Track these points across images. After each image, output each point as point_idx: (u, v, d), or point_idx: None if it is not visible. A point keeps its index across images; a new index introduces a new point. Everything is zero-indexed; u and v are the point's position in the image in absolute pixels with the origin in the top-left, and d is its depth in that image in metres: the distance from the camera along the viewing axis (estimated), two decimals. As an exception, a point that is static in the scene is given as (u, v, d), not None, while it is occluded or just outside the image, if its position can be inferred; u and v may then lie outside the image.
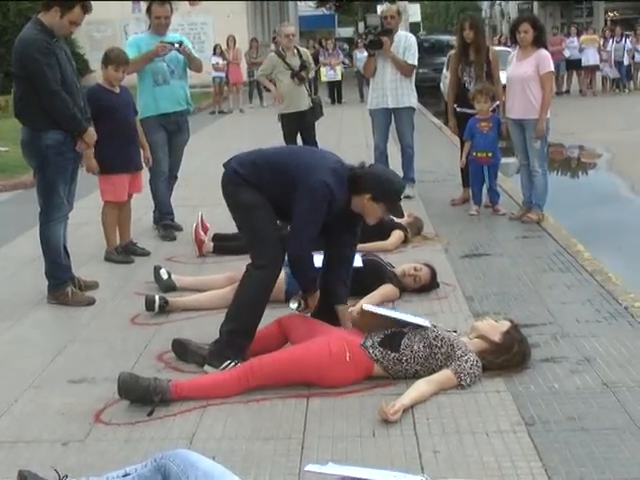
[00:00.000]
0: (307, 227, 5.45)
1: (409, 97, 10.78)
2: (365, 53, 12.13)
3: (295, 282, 6.54)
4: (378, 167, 6.16)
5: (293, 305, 5.72)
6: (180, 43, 8.97)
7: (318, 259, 6.29)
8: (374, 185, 5.45)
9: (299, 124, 12.02)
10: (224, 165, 5.83)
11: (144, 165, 8.62)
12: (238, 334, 5.47)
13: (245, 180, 5.58)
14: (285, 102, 11.91)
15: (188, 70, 9.32)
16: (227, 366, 5.32)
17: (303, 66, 11.96)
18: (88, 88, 7.70)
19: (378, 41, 10.52)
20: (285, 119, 12.04)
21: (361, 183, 5.46)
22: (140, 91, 9.11)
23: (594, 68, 29.68)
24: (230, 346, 5.43)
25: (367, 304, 5.70)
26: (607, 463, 4.09)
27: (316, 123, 12.23)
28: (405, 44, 10.67)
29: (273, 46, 26.16)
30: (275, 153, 5.91)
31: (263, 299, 5.60)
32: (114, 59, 7.99)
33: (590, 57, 29.24)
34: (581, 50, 29.28)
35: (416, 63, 10.81)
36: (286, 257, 5.69)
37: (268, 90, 12.95)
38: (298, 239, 5.50)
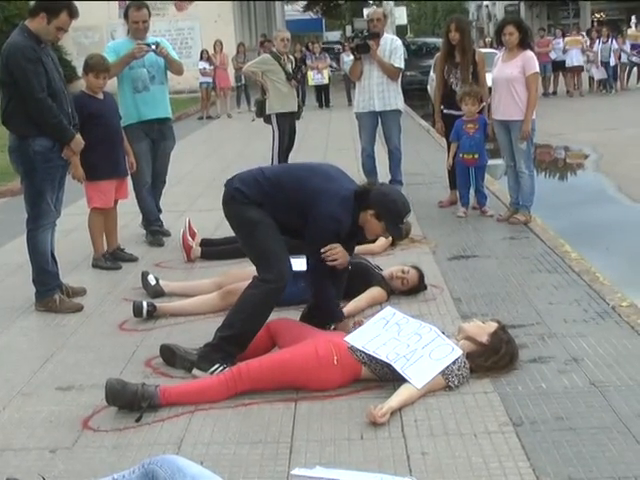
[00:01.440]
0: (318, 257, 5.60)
1: (396, 100, 10.80)
2: (352, 57, 12.29)
3: (290, 290, 6.56)
4: (388, 187, 6.29)
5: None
6: (157, 44, 8.88)
7: (299, 263, 6.33)
8: (378, 202, 5.59)
9: (290, 123, 12.72)
10: (226, 184, 5.85)
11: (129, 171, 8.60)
12: (232, 341, 5.47)
13: (248, 199, 5.62)
14: (281, 102, 12.51)
15: (173, 76, 9.28)
16: (215, 370, 5.32)
17: (295, 71, 12.54)
18: (73, 96, 7.68)
19: (365, 45, 10.54)
20: (280, 118, 12.59)
21: (367, 199, 5.60)
22: (120, 99, 8.97)
23: (578, 69, 29.77)
24: (221, 351, 5.43)
25: None
26: (595, 462, 4.09)
27: (305, 127, 12.59)
28: (391, 47, 10.69)
29: (261, 50, 26.18)
30: (280, 174, 5.96)
31: (266, 312, 5.62)
32: (94, 66, 7.96)
33: (574, 58, 29.34)
34: (565, 51, 29.36)
35: (402, 66, 10.84)
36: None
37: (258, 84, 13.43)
38: (315, 262, 5.66)
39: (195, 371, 5.42)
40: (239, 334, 5.49)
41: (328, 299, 5.86)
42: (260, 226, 5.55)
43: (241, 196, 5.63)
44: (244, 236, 5.74)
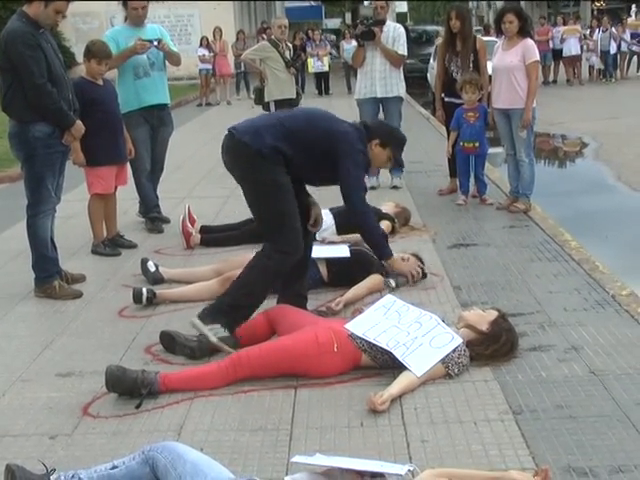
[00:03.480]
0: (358, 184, 5.88)
1: (398, 87, 10.79)
2: (352, 44, 12.30)
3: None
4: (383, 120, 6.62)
5: (391, 285, 6.06)
6: (159, 41, 8.86)
7: None
8: (382, 131, 6.17)
9: (288, 109, 12.53)
10: (242, 133, 5.68)
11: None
12: (239, 310, 5.56)
13: (281, 155, 5.58)
14: (280, 89, 12.65)
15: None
16: (214, 329, 5.40)
17: (294, 59, 12.58)
18: (73, 81, 7.67)
19: (370, 32, 10.52)
20: (278, 105, 12.59)
21: (371, 131, 6.01)
22: (120, 85, 8.93)
23: (576, 58, 29.71)
24: (226, 316, 5.51)
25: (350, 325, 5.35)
26: (594, 450, 4.10)
27: None
28: (394, 34, 10.68)
29: (260, 37, 26.13)
30: (298, 125, 5.83)
31: (274, 283, 5.76)
32: (97, 52, 7.93)
33: (572, 47, 29.28)
34: (563, 40, 29.30)
35: (406, 53, 10.83)
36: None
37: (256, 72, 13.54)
38: (359, 195, 5.87)
39: (195, 320, 5.50)
40: (248, 305, 5.61)
41: (379, 234, 6.21)
42: (283, 190, 5.57)
43: (272, 152, 5.54)
44: (261, 198, 5.68)
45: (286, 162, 5.56)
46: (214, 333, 5.43)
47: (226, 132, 5.78)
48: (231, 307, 5.55)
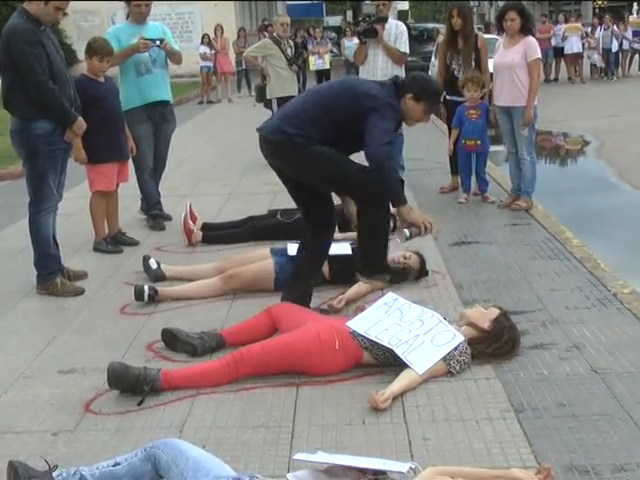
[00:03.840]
0: (381, 137, 5.63)
1: (399, 85, 10.78)
2: (354, 41, 12.32)
3: (285, 270, 6.59)
4: (417, 72, 6.47)
5: (405, 235, 5.90)
6: (161, 40, 8.84)
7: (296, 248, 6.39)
8: (415, 85, 5.96)
9: None
10: (272, 132, 5.85)
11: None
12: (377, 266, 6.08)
13: (311, 139, 5.70)
14: (282, 87, 12.76)
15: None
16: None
17: (296, 56, 12.67)
18: (74, 79, 7.67)
19: (372, 29, 10.52)
20: (281, 103, 12.50)
21: (404, 86, 5.92)
22: (123, 82, 8.93)
23: (577, 56, 29.71)
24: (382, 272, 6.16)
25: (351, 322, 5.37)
26: (596, 449, 4.10)
27: None
28: (396, 32, 10.67)
29: (261, 35, 26.13)
30: (319, 99, 5.98)
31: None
32: (98, 50, 7.93)
33: (574, 45, 29.27)
34: (564, 38, 29.29)
35: (408, 51, 10.82)
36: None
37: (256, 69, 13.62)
38: (379, 147, 5.63)
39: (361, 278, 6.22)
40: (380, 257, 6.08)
41: (397, 180, 6.08)
42: (327, 152, 5.71)
43: (303, 139, 5.68)
44: (317, 171, 5.82)
45: (320, 142, 5.70)
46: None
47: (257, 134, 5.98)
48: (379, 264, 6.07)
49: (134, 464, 3.70)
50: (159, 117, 9.12)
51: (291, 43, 13.53)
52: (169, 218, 9.38)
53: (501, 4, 42.32)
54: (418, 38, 32.48)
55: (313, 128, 5.68)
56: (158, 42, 8.78)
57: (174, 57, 9.13)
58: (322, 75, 28.26)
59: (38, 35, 6.59)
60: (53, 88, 6.63)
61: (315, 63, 27.68)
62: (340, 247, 6.97)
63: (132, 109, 8.78)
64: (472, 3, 72.46)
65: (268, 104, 13.09)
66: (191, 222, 8.42)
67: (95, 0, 30.83)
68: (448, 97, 10.33)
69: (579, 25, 30.79)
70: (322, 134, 5.68)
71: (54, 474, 3.71)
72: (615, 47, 29.77)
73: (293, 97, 12.77)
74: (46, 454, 4.11)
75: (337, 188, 6.15)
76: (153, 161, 9.22)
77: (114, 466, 3.73)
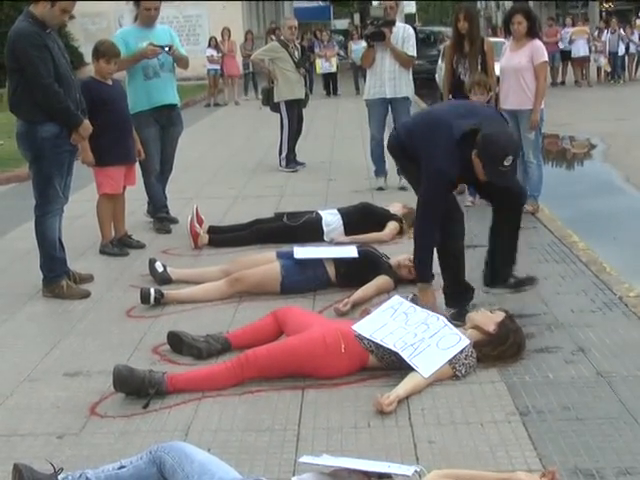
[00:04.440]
0: (429, 207, 5.88)
1: (407, 87, 10.81)
2: (361, 44, 12.36)
3: (291, 273, 6.60)
4: (496, 126, 5.89)
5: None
6: (170, 47, 8.86)
7: (305, 251, 6.38)
8: (479, 142, 5.58)
9: (297, 110, 13.10)
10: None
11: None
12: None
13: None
14: (290, 90, 12.94)
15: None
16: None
17: (304, 59, 12.85)
18: (82, 82, 7.69)
19: (380, 32, 10.53)
20: (288, 105, 12.96)
21: (475, 137, 5.61)
22: (130, 86, 8.95)
23: (584, 59, 29.68)
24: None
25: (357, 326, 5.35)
26: (601, 452, 4.10)
27: (313, 115, 12.75)
28: (404, 35, 10.69)
29: (269, 38, 26.13)
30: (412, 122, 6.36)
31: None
32: (105, 52, 7.95)
33: (580, 48, 29.24)
34: (571, 42, 29.27)
35: (415, 54, 10.84)
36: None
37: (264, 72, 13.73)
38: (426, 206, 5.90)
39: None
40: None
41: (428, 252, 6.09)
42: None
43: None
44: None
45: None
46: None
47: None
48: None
49: (139, 467, 3.70)
50: (166, 120, 9.14)
51: (298, 46, 13.57)
52: (175, 221, 9.39)
53: (509, 4, 42.25)
54: (425, 41, 32.53)
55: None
56: (167, 48, 8.80)
57: (181, 62, 9.16)
58: (329, 78, 28.31)
59: (43, 38, 6.60)
60: (58, 91, 6.64)
61: (322, 66, 27.73)
62: (346, 250, 6.97)
63: (140, 112, 8.79)
64: (479, 5, 72.52)
65: (275, 107, 13.11)
66: (197, 225, 8.43)
67: (102, 0, 30.82)
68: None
69: (586, 28, 30.76)
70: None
71: (59, 477, 3.72)
72: (622, 51, 29.74)
73: (301, 100, 12.95)
74: (51, 457, 4.11)
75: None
76: (160, 164, 9.23)
77: (119, 469, 3.74)
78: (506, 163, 5.49)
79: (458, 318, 5.67)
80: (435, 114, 6.21)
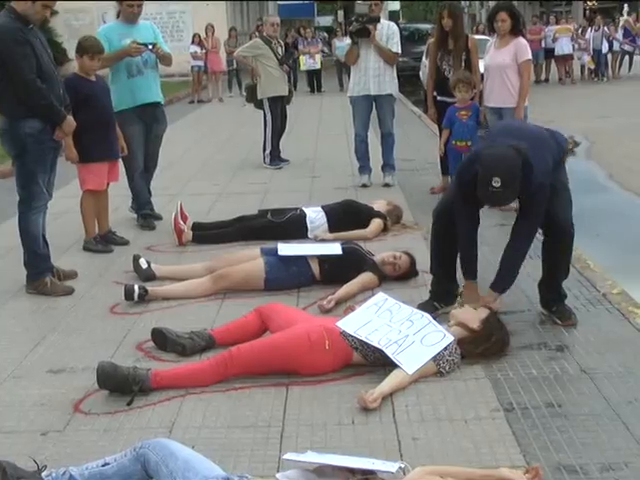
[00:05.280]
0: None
1: (391, 84, 10.80)
2: (345, 42, 12.38)
3: (275, 270, 6.61)
4: (501, 147, 5.48)
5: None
6: (154, 45, 8.83)
7: (289, 248, 6.38)
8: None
9: (281, 107, 13.10)
10: None
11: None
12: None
13: None
14: (273, 87, 12.91)
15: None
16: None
17: (287, 56, 12.84)
18: (65, 78, 7.65)
19: (365, 29, 10.52)
20: (272, 102, 12.93)
21: None
22: (114, 84, 8.88)
23: (568, 57, 29.77)
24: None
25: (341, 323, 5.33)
26: (585, 448, 4.12)
27: (297, 112, 12.69)
28: (388, 32, 10.69)
29: (253, 35, 26.14)
30: None
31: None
32: (89, 48, 7.91)
33: (564, 46, 29.32)
34: (555, 40, 29.35)
35: (400, 51, 10.84)
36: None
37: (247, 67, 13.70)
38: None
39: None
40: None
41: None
42: None
43: None
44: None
45: None
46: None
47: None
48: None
49: (123, 464, 3.70)
50: (150, 118, 9.12)
51: (281, 43, 13.57)
52: (159, 217, 9.37)
53: (492, 4, 42.34)
54: (409, 38, 32.49)
55: None
56: (150, 46, 8.77)
57: (165, 60, 9.12)
58: (313, 75, 28.29)
59: (25, 34, 6.57)
60: (41, 87, 6.61)
61: (306, 63, 27.70)
62: (330, 247, 6.98)
63: (123, 110, 8.75)
64: (463, 3, 72.56)
65: (259, 104, 13.10)
66: (182, 222, 8.41)
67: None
68: (439, 98, 10.35)
69: (570, 26, 30.83)
70: None
71: (43, 474, 3.71)
72: (605, 48, 29.84)
73: (284, 97, 12.95)
74: (35, 454, 4.10)
75: None
76: (144, 161, 9.21)
77: (103, 466, 3.73)
78: (495, 184, 5.19)
79: None
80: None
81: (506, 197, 5.45)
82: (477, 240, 5.98)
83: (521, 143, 5.38)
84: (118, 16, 9.16)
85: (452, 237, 5.90)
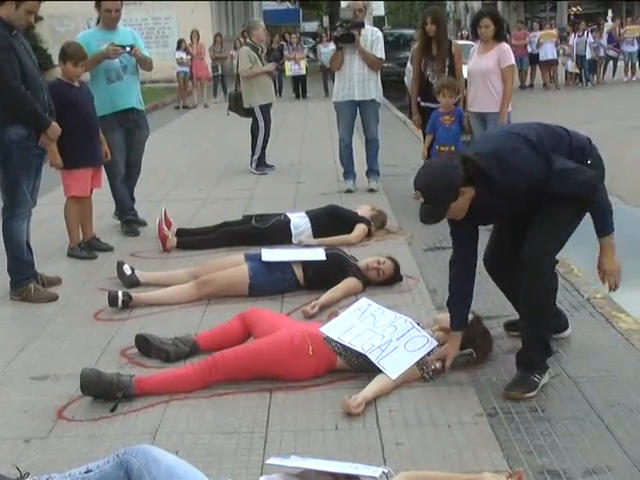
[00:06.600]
0: None
1: (375, 90, 10.82)
2: (329, 47, 12.38)
3: (259, 275, 6.61)
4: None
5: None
6: (132, 47, 8.81)
7: (272, 253, 6.37)
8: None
9: (269, 113, 13.12)
10: None
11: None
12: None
13: None
14: (264, 94, 12.99)
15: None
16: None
17: (269, 60, 12.92)
18: (49, 83, 7.64)
19: (349, 34, 10.55)
20: (264, 109, 12.97)
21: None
22: (93, 89, 8.76)
23: (552, 62, 29.89)
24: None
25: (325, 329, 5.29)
26: (568, 453, 4.13)
27: (282, 117, 12.72)
28: (372, 38, 10.71)
29: (240, 40, 26.13)
30: None
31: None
32: (72, 54, 7.89)
33: (548, 52, 29.45)
34: (539, 45, 29.48)
35: (384, 57, 10.87)
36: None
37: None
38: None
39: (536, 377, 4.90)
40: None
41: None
42: None
43: None
44: None
45: None
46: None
47: None
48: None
49: (106, 471, 3.68)
50: (131, 124, 9.10)
51: (263, 47, 13.59)
52: (144, 224, 9.35)
53: (477, 5, 42.33)
54: (394, 44, 32.55)
55: None
56: (128, 48, 8.75)
57: (145, 64, 9.09)
58: (298, 81, 28.32)
59: (9, 40, 6.56)
60: (25, 93, 6.60)
61: (291, 69, 27.70)
62: (314, 253, 6.98)
63: (104, 116, 8.67)
64: (448, 8, 72.82)
65: (246, 113, 13.05)
66: (166, 228, 8.40)
67: (70, 0, 30.60)
68: (423, 104, 10.38)
69: (554, 32, 30.99)
70: None
71: (25, 481, 3.70)
72: (589, 54, 29.96)
73: (271, 104, 12.94)
74: (18, 461, 4.10)
75: None
76: (127, 167, 9.19)
77: (86, 473, 3.71)
78: (422, 199, 4.81)
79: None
80: None
81: (432, 214, 4.87)
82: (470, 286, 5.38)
83: (479, 151, 4.97)
84: (98, 22, 9.15)
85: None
